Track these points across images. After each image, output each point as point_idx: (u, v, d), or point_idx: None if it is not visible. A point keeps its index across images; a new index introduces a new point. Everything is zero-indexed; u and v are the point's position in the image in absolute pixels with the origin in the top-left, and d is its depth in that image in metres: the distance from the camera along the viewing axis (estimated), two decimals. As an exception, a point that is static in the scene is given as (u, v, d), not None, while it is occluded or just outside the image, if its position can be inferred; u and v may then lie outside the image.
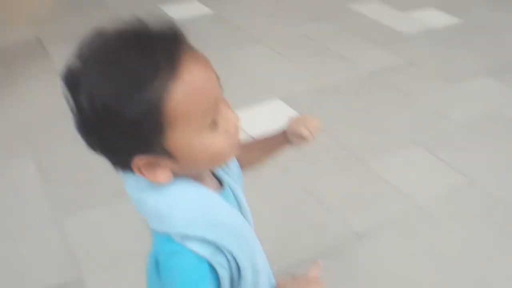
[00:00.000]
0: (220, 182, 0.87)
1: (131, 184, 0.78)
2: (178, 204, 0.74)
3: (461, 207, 2.27)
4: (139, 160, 0.70)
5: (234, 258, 0.76)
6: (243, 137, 0.80)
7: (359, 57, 3.57)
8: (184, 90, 0.66)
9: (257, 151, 1.08)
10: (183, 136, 0.69)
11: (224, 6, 4.45)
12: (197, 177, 0.79)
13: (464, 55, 3.64)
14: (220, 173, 0.88)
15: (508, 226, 2.17)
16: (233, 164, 0.93)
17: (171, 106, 0.65)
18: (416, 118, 2.92)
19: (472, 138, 2.76)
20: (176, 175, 0.75)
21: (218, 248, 0.74)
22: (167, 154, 0.70)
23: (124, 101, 0.64)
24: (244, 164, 0.99)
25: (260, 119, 2.79)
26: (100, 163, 0.82)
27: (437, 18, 4.20)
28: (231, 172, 0.91)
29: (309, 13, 4.29)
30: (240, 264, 0.76)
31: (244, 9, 4.40)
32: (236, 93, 2.35)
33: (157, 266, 0.76)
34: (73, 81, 0.67)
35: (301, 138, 1.01)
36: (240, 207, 0.89)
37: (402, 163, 2.55)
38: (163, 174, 0.73)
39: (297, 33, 3.94)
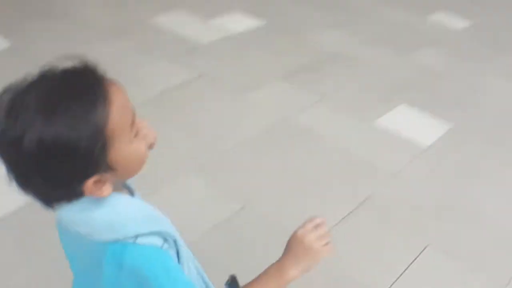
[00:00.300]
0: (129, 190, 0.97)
1: (70, 209, 0.85)
2: (123, 211, 0.86)
3: (233, 239, 2.08)
4: (89, 182, 0.79)
5: (175, 242, 0.91)
6: None
7: (152, 76, 3.30)
8: (116, 110, 0.78)
9: None
10: (120, 148, 0.81)
11: None
12: (119, 189, 0.89)
13: (263, 60, 3.52)
14: (127, 183, 0.97)
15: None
16: None
17: (111, 125, 0.78)
18: (198, 139, 2.71)
19: (256, 153, 2.60)
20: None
21: (164, 237, 0.88)
22: (109, 168, 0.81)
23: (75, 133, 0.73)
24: None
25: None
26: None
27: (240, 23, 4.04)
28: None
29: (106, 31, 3.95)
30: (179, 245, 0.92)
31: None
32: None
33: (121, 271, 0.82)
34: (10, 135, 0.73)
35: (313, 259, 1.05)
36: None
37: (178, 195, 2.32)
38: (107, 189, 0.82)
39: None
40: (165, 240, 0.88)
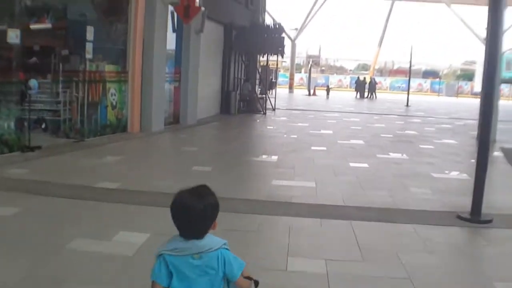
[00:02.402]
0: None
1: (205, 238, 2.20)
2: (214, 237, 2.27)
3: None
4: (215, 224, 2.25)
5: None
6: None
7: None
8: None
9: None
10: None
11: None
12: None
13: None
14: None
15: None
16: None
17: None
18: None
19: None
20: None
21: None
22: None
23: (217, 203, 2.24)
24: None
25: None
26: None
27: None
28: None
29: None
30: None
31: None
32: None
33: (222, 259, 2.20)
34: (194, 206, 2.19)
35: None
36: None
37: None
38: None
39: None
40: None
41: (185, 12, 13.08)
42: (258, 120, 18.39)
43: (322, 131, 14.80)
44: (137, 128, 12.35)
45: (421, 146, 12.34)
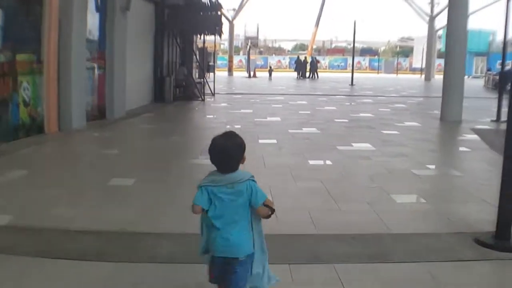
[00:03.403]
0: None
1: (236, 172, 2.83)
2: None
3: None
4: (243, 159, 2.89)
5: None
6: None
7: None
8: None
9: None
10: None
11: None
12: None
13: None
14: None
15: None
16: None
17: None
18: None
19: None
20: None
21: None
22: None
23: (243, 142, 2.88)
24: None
25: None
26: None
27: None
28: None
29: None
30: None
31: None
32: None
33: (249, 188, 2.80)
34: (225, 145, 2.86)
35: None
36: None
37: None
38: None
39: None
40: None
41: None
42: (196, 108, 16.37)
43: (269, 119, 13.00)
44: (55, 127, 10.02)
45: (384, 132, 10.77)
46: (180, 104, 16.84)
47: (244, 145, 2.85)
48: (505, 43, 14.16)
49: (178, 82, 18.44)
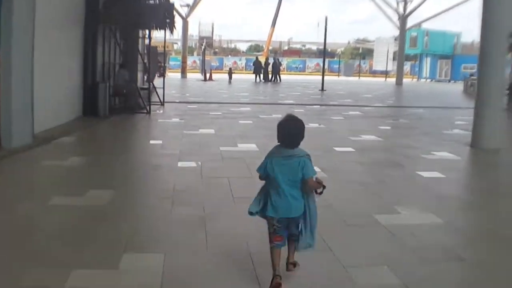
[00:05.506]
0: None
1: (296, 149, 3.48)
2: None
3: None
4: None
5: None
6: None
7: None
8: None
9: None
10: None
11: None
12: None
13: None
14: None
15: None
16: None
17: None
18: None
19: None
20: None
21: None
22: None
23: (304, 124, 3.55)
24: None
25: None
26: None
27: None
28: None
29: None
30: None
31: None
32: None
33: (302, 162, 3.43)
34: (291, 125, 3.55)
35: None
36: None
37: None
38: None
39: None
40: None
41: None
42: (138, 127, 12.31)
43: (240, 146, 9.07)
44: None
45: (421, 174, 7.06)
46: (118, 120, 12.66)
47: (304, 126, 3.53)
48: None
49: (117, 89, 14.25)
